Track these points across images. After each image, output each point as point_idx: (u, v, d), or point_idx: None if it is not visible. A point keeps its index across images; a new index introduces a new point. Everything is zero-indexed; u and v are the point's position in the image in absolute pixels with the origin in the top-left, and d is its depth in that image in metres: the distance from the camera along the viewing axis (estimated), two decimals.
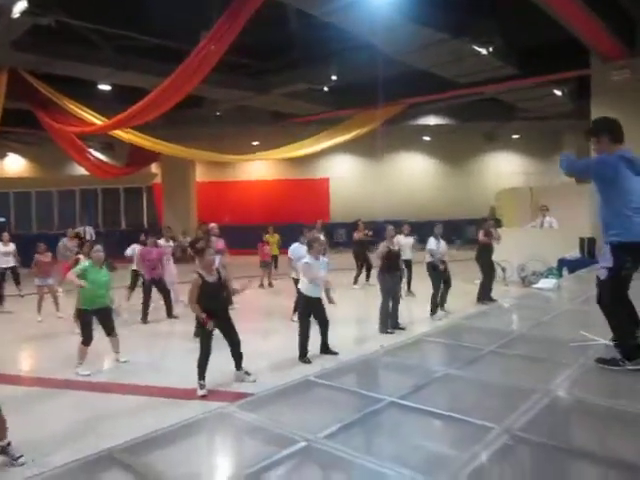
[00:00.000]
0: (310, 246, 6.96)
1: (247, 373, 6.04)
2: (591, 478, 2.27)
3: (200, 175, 22.48)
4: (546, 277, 8.98)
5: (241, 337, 5.90)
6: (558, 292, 6.52)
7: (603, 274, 3.33)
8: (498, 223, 13.82)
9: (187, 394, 5.54)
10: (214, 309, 5.64)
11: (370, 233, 12.19)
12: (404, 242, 10.05)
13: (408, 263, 10.39)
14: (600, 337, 3.85)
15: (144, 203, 23.91)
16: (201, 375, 5.65)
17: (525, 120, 18.14)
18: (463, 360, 3.53)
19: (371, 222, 14.09)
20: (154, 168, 21.55)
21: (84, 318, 6.52)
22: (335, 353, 6.87)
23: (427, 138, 21.70)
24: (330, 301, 6.99)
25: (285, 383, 3.12)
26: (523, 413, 2.59)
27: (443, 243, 9.18)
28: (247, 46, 9.88)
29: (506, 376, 3.30)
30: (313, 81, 13.42)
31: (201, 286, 5.60)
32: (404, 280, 9.48)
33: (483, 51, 10.20)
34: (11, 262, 10.89)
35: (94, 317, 6.59)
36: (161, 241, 10.31)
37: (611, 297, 3.35)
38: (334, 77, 13.08)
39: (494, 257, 10.18)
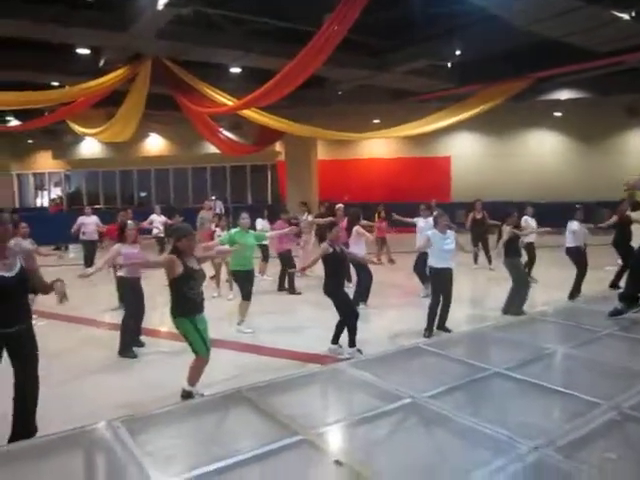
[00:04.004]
0: (436, 222, 7.17)
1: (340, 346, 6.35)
2: None
3: (322, 153, 23.03)
4: None
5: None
6: None
7: None
8: (638, 206, 12.72)
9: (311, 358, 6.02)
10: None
11: (479, 216, 11.88)
12: (532, 224, 9.56)
13: (531, 246, 9.97)
14: None
15: (268, 180, 25.12)
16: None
17: None
18: (577, 340, 3.48)
19: (493, 203, 13.67)
20: (278, 147, 22.46)
21: (239, 277, 7.43)
22: (449, 331, 6.92)
23: (558, 114, 20.28)
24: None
25: (396, 348, 3.31)
26: (636, 393, 2.56)
27: (584, 227, 8.74)
28: (368, 25, 9.92)
29: (621, 358, 3.22)
30: (436, 57, 13.15)
31: (329, 254, 6.15)
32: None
33: (625, 16, 9.35)
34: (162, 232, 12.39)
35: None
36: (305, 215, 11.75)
37: None
38: (458, 52, 12.72)
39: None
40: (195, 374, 4.73)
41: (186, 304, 4.67)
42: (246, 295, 7.39)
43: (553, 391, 2.63)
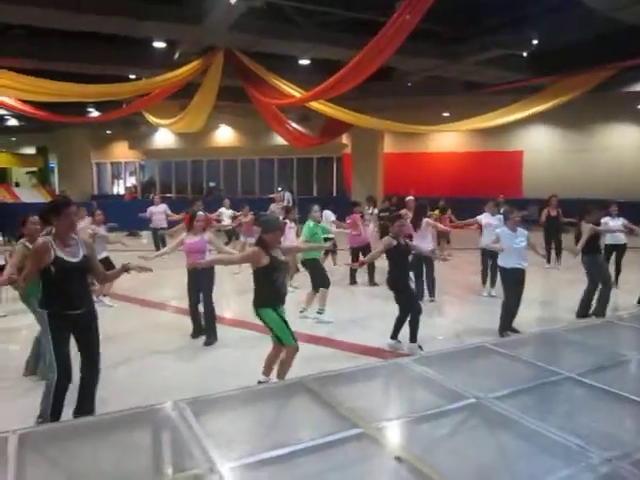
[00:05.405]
0: (506, 218, 6.95)
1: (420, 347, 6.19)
2: None
3: (388, 146, 22.78)
4: None
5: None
6: None
7: None
8: None
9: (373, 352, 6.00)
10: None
11: (554, 213, 11.34)
12: (612, 224, 8.69)
13: (616, 247, 9.36)
14: None
15: (334, 172, 25.16)
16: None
17: None
18: None
19: (567, 200, 13.05)
20: (344, 139, 22.43)
21: (310, 266, 7.60)
22: (517, 332, 6.70)
23: None
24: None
25: (461, 346, 3.23)
26: None
27: None
28: (440, 13, 9.60)
29: None
30: (511, 47, 12.62)
31: (392, 248, 6.12)
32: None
33: None
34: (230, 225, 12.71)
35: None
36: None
37: None
38: (535, 41, 12.14)
39: None
40: (286, 366, 4.69)
41: (270, 294, 4.67)
42: (324, 283, 7.51)
43: (629, 400, 2.47)
